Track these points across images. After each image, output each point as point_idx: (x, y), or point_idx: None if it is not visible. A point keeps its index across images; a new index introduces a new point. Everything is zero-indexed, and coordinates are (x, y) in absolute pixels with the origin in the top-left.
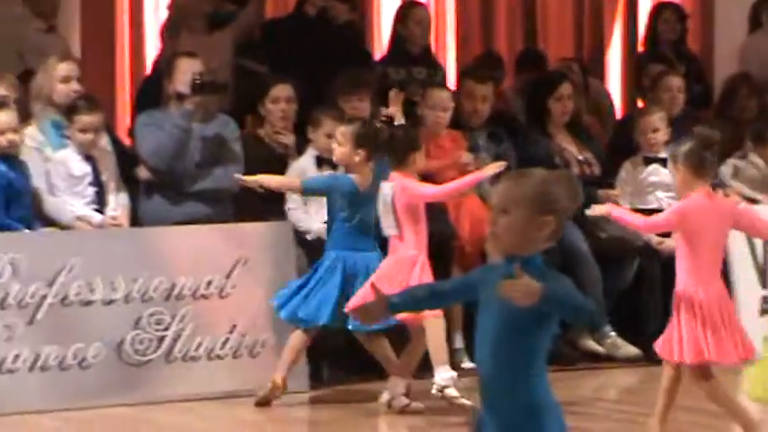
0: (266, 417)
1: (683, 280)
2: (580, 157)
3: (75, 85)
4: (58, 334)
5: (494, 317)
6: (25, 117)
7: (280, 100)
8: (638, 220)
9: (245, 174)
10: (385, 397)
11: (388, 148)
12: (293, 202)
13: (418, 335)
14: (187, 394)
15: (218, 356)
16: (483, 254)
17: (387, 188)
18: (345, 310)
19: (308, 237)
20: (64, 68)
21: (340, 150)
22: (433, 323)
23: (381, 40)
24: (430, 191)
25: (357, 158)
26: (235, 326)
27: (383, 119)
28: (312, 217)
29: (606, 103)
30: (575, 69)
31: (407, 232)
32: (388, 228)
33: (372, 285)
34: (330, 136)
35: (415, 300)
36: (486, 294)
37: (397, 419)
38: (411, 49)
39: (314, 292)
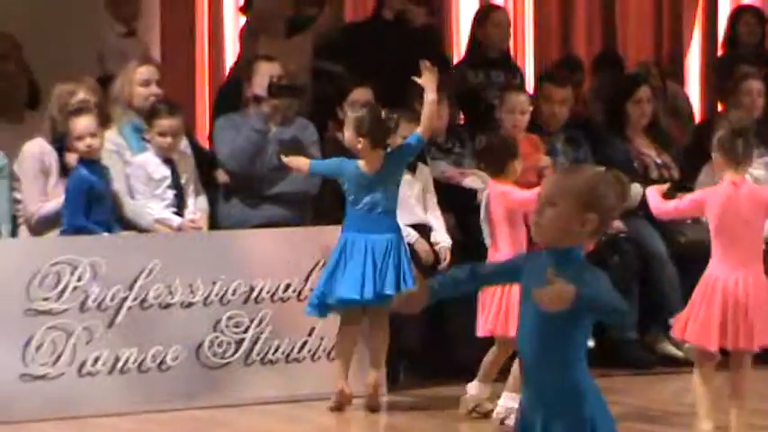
0: (344, 420)
1: (710, 266)
2: (658, 161)
3: (154, 89)
4: (138, 336)
5: (532, 309)
6: (105, 121)
7: (358, 104)
8: (654, 203)
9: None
10: (469, 402)
11: (485, 156)
12: None
13: (504, 346)
14: (265, 397)
15: (297, 359)
16: None
17: (483, 198)
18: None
19: None
20: (143, 72)
21: (345, 136)
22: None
23: (459, 43)
24: (529, 195)
25: (359, 145)
26: (313, 328)
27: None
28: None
29: (685, 106)
30: (653, 72)
31: (502, 241)
32: (485, 238)
33: (416, 272)
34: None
35: (456, 282)
36: (527, 283)
37: (480, 425)
38: (489, 52)
39: (335, 276)
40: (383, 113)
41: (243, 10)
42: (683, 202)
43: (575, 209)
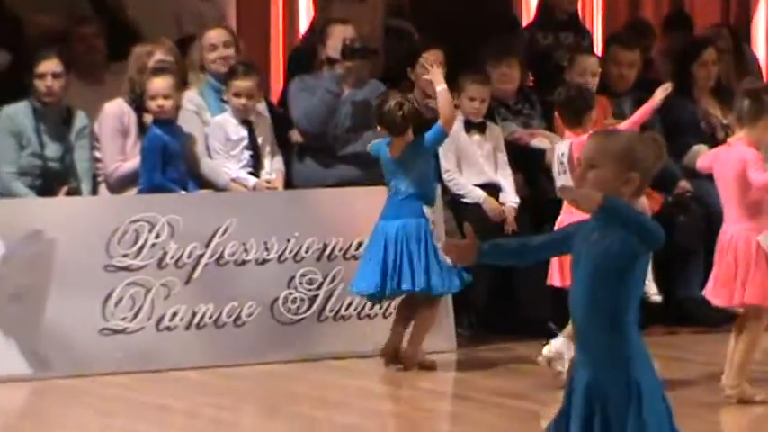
0: (415, 373)
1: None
2: (725, 122)
3: (224, 52)
4: (214, 293)
5: (586, 267)
6: (183, 82)
7: (432, 65)
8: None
9: None
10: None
11: (564, 108)
12: (448, 166)
13: None
14: (337, 352)
15: (368, 315)
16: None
17: (563, 147)
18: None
19: (466, 200)
20: (213, 36)
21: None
22: None
23: (529, 5)
24: None
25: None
26: None
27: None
28: (467, 180)
29: (754, 67)
30: (724, 35)
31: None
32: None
33: (467, 228)
34: (473, 99)
35: (504, 252)
36: (578, 248)
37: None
38: (558, 14)
39: (362, 265)
40: (395, 103)
41: None
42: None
43: (617, 169)
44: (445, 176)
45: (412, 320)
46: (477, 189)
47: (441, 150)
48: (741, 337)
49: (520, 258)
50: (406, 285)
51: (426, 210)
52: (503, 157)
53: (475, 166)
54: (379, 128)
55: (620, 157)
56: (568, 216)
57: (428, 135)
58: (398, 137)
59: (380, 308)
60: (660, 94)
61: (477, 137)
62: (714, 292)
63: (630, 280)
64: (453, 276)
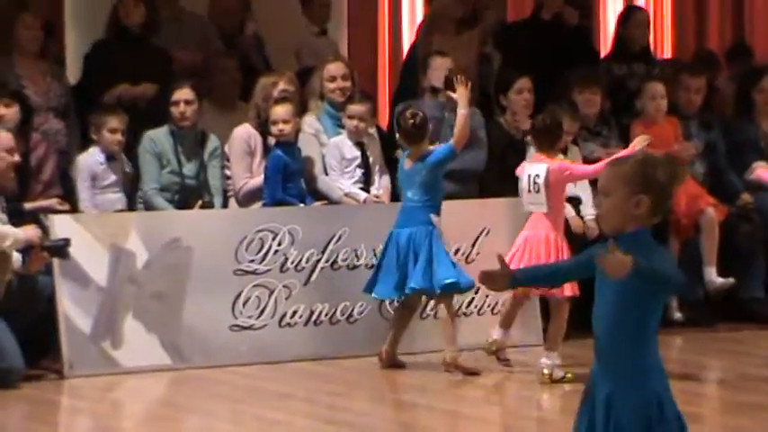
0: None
1: None
2: None
3: (341, 83)
4: (329, 293)
5: (609, 289)
6: (302, 109)
7: (523, 91)
8: None
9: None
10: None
11: (539, 134)
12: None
13: (559, 308)
14: (436, 346)
15: (465, 314)
16: (697, 226)
17: (537, 169)
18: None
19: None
20: (333, 69)
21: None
22: (563, 306)
23: (606, 39)
24: (589, 169)
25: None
26: (479, 287)
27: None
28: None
29: None
30: None
31: (554, 211)
32: (538, 205)
33: (499, 257)
34: (567, 133)
35: (536, 277)
36: (600, 272)
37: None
38: (632, 47)
39: (378, 270)
40: (409, 114)
41: None
42: None
43: (626, 194)
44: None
45: (406, 325)
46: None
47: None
48: None
49: (552, 282)
50: (414, 284)
51: (433, 218)
52: None
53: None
54: (398, 137)
55: (628, 181)
56: (533, 232)
57: (437, 151)
58: (413, 146)
59: (476, 307)
60: (638, 144)
61: (561, 156)
62: None
63: (654, 299)
64: (462, 274)
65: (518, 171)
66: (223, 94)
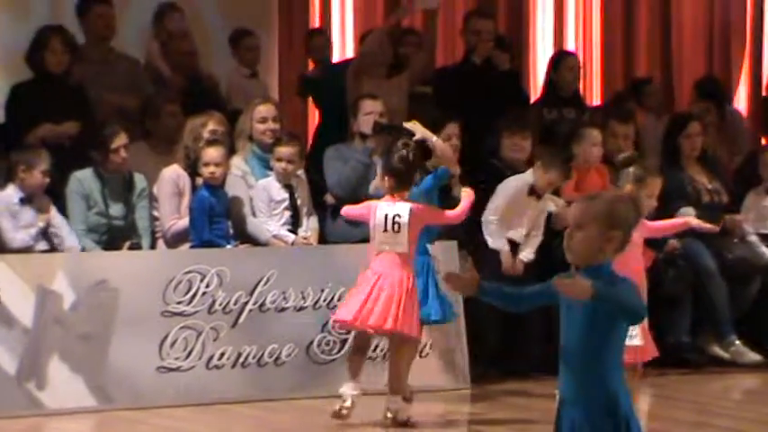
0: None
1: None
2: (709, 187)
3: (271, 125)
4: (257, 336)
5: (577, 313)
6: (231, 150)
7: (451, 137)
8: None
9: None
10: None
11: (396, 175)
12: (495, 212)
13: (400, 349)
14: (368, 390)
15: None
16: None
17: (402, 208)
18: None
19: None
20: (263, 111)
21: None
22: (410, 347)
23: (537, 84)
24: (453, 214)
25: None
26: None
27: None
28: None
29: (740, 129)
30: (711, 110)
31: (410, 252)
32: (396, 245)
33: (470, 263)
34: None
35: (502, 295)
36: (566, 298)
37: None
38: (562, 92)
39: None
40: (401, 144)
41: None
42: None
43: (600, 229)
44: (487, 216)
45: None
46: (505, 241)
47: (498, 196)
48: None
49: (516, 304)
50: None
51: (429, 247)
52: (542, 219)
53: (520, 224)
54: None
55: (603, 218)
56: (388, 271)
57: (432, 176)
58: (402, 186)
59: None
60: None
61: (533, 200)
62: None
63: (620, 324)
64: (448, 309)
65: (365, 211)
66: (165, 137)
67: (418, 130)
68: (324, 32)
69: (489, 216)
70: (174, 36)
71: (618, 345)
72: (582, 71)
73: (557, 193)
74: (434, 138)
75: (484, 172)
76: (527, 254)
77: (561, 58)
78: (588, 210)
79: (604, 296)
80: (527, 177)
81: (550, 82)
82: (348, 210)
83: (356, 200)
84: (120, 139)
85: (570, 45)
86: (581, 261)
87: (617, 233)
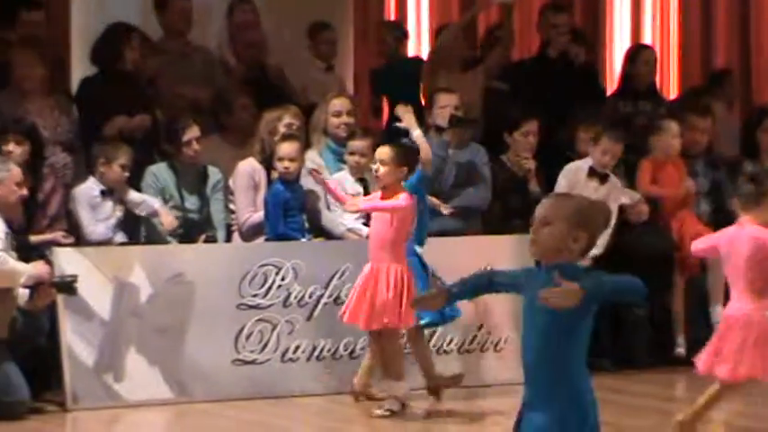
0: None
1: None
2: None
3: (346, 119)
4: (332, 329)
5: (537, 315)
6: (306, 144)
7: (529, 134)
8: None
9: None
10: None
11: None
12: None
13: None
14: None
15: (467, 350)
16: (703, 264)
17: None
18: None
19: None
20: (337, 104)
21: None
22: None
23: (613, 77)
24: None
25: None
26: (482, 325)
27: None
28: None
29: None
30: None
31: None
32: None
33: (433, 276)
34: (605, 153)
35: (475, 288)
36: (530, 295)
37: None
38: (638, 85)
39: None
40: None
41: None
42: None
43: (568, 228)
44: None
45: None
46: None
47: (560, 181)
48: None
49: (489, 290)
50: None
51: (417, 248)
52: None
53: None
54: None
55: (572, 217)
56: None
57: (410, 179)
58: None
59: (478, 343)
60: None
61: (595, 183)
62: (712, 364)
63: (584, 325)
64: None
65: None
66: (239, 131)
67: (406, 118)
68: (399, 26)
69: None
70: (241, 27)
71: (582, 342)
72: (658, 64)
73: (632, 186)
74: (417, 131)
75: (560, 166)
76: (595, 249)
77: (638, 52)
78: (559, 206)
79: (596, 293)
80: (585, 161)
81: (626, 75)
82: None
83: (431, 193)
84: (192, 132)
85: (647, 38)
86: (542, 256)
87: (584, 234)
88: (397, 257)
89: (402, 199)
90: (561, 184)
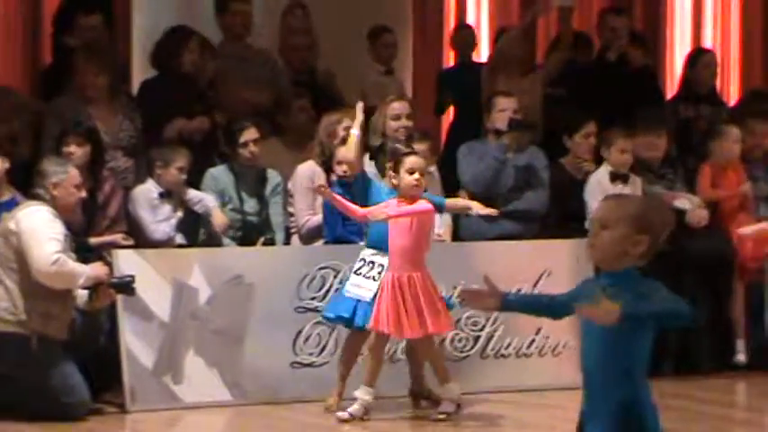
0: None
1: None
2: None
3: (404, 122)
4: None
5: (593, 331)
6: (366, 147)
7: (590, 135)
8: None
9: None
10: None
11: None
12: None
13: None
14: (498, 386)
15: (525, 355)
16: (762, 269)
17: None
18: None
19: None
20: (396, 107)
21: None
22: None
23: (673, 81)
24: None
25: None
26: (540, 328)
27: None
28: None
29: None
30: None
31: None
32: None
33: (486, 278)
34: (624, 152)
35: (531, 303)
36: (585, 303)
37: None
38: (699, 89)
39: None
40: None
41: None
42: None
43: (627, 231)
44: None
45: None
46: None
47: (588, 202)
48: None
49: (550, 312)
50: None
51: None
52: None
53: None
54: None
55: (631, 221)
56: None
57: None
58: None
59: (536, 348)
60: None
61: (620, 186)
62: None
63: (644, 333)
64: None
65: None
66: (297, 133)
67: (357, 116)
68: (470, 28)
69: None
70: (292, 31)
71: (640, 351)
72: (719, 68)
73: (692, 191)
74: (354, 130)
75: None
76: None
77: (698, 55)
78: (617, 209)
79: (634, 315)
80: (601, 170)
81: (687, 79)
82: None
83: (490, 197)
84: (250, 134)
85: (708, 41)
86: (604, 262)
87: (644, 237)
88: (417, 265)
89: (424, 204)
90: (593, 205)
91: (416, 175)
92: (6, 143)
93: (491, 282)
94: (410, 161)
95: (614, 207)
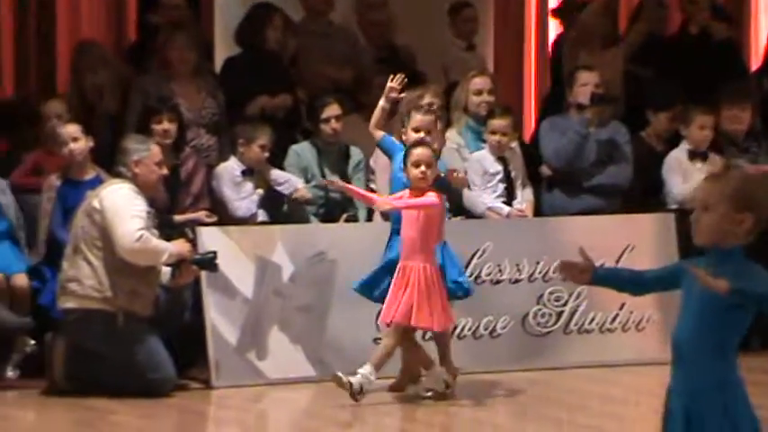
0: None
1: None
2: None
3: (486, 97)
4: (472, 308)
5: (698, 302)
6: (447, 123)
7: (704, 127)
8: None
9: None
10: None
11: None
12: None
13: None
14: (581, 362)
15: (609, 330)
16: None
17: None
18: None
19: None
20: (478, 83)
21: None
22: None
23: (758, 53)
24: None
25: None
26: (624, 303)
27: None
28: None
29: None
30: None
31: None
32: None
33: (581, 250)
34: (703, 128)
35: (620, 278)
36: (688, 284)
37: None
38: None
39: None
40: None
41: (555, 14)
42: None
43: (728, 211)
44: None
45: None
46: None
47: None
48: None
49: (636, 288)
50: None
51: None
52: None
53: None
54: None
55: (730, 199)
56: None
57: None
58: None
59: (620, 323)
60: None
61: (699, 164)
62: None
63: (740, 313)
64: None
65: None
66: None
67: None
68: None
69: (678, 199)
70: (370, 6)
71: (736, 333)
72: None
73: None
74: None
75: None
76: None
77: None
78: (715, 189)
79: (742, 292)
80: (680, 149)
81: None
82: None
83: (572, 171)
84: (332, 110)
85: None
86: (708, 242)
87: (748, 215)
88: (426, 257)
89: (432, 197)
90: (676, 181)
91: (422, 168)
92: (94, 94)
93: (586, 254)
94: (416, 153)
95: (712, 188)
